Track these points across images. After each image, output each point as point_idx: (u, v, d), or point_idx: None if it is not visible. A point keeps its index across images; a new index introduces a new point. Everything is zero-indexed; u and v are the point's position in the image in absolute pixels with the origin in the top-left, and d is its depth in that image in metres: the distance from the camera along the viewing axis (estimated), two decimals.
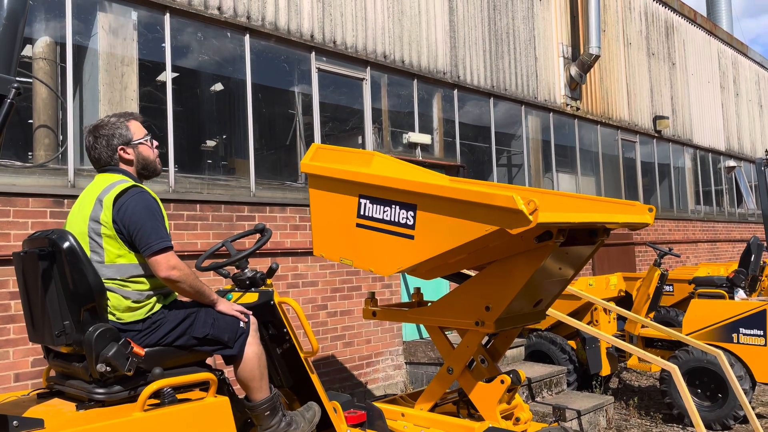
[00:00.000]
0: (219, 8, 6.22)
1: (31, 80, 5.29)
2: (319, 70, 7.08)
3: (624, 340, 7.62)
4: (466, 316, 3.82)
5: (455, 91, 8.81)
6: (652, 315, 7.66)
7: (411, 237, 3.47)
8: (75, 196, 3.65)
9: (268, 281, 3.15)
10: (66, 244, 2.38)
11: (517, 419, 4.00)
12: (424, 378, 7.22)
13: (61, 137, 5.37)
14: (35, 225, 4.87)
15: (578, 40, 11.28)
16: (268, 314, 3.02)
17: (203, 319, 2.71)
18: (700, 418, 6.35)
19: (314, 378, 3.09)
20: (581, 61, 10.92)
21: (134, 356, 2.39)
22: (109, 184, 2.70)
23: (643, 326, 7.32)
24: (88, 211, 2.64)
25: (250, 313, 2.89)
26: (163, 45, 5.87)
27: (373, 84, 7.68)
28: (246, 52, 6.45)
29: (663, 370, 6.88)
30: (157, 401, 2.42)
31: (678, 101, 14.49)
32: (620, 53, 12.62)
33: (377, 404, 4.24)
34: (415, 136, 8.05)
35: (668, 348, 7.23)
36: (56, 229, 2.50)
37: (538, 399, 6.62)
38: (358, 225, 3.73)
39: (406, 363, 7.49)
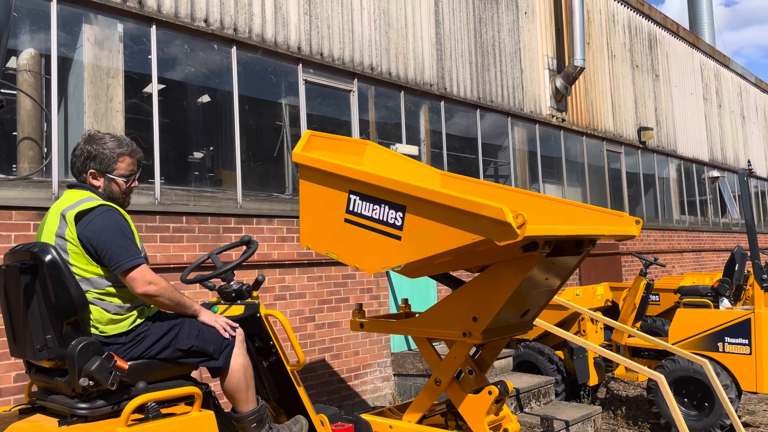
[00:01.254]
0: (206, 20, 6.22)
1: (15, 92, 5.26)
2: (307, 81, 7.09)
3: (611, 350, 7.66)
4: (454, 327, 3.82)
5: (442, 103, 8.86)
6: (638, 324, 7.70)
7: (398, 238, 3.46)
8: None
9: (255, 293, 3.13)
10: (48, 257, 2.36)
11: (506, 431, 3.99)
12: (412, 389, 7.19)
13: (45, 149, 5.33)
14: (18, 238, 4.82)
15: (563, 53, 11.40)
16: (254, 327, 3.00)
17: (188, 330, 2.68)
18: (687, 427, 6.39)
19: (301, 391, 3.07)
20: (566, 73, 11.03)
21: (118, 370, 2.36)
22: (74, 202, 2.66)
23: (629, 336, 7.35)
24: (54, 227, 2.62)
25: (237, 325, 2.87)
26: (150, 57, 5.86)
27: (360, 96, 7.70)
28: (233, 64, 6.45)
29: (650, 380, 6.91)
30: (141, 416, 2.39)
31: (662, 112, 14.66)
32: (605, 65, 12.77)
33: (365, 416, 4.22)
34: (403, 147, 8.08)
35: (655, 357, 7.27)
36: (38, 242, 2.47)
37: (526, 410, 6.62)
38: (347, 220, 3.70)
39: (394, 375, 7.46)
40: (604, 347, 7.78)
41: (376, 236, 3.56)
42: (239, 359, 2.77)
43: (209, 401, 2.90)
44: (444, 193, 3.27)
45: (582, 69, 10.96)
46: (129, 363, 2.49)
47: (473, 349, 4.32)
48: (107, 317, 2.53)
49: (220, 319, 2.80)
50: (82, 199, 2.66)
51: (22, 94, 5.25)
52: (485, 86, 9.61)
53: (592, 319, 7.51)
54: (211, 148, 6.75)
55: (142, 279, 2.51)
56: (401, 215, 3.45)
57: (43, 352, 2.37)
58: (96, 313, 2.52)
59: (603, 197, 12.35)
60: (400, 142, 8.14)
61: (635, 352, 7.48)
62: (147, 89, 5.88)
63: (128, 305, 2.60)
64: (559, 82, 11.07)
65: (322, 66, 7.26)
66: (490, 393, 3.81)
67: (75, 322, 2.37)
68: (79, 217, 2.55)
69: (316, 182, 3.88)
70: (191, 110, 6.61)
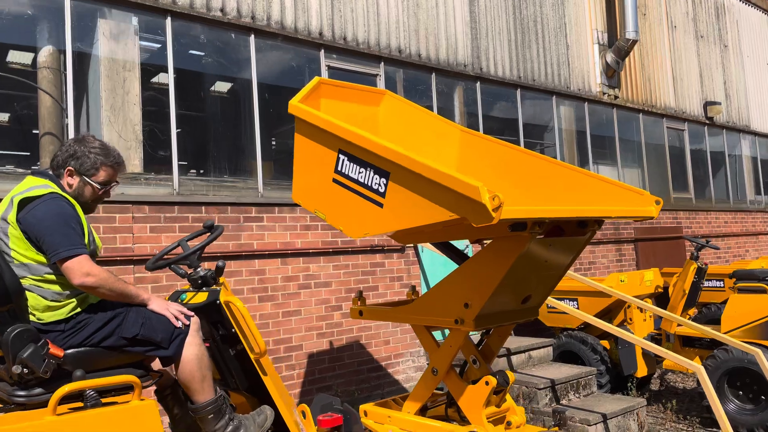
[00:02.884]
0: (222, 9, 6.20)
1: (35, 89, 5.41)
2: (330, 67, 6.97)
3: (661, 339, 7.17)
4: (447, 314, 3.60)
5: (478, 84, 8.53)
6: (692, 312, 7.15)
7: (380, 205, 3.26)
8: None
9: (221, 279, 3.04)
10: None
11: (509, 423, 3.75)
12: None
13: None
14: None
15: (615, 26, 10.76)
16: (215, 314, 2.91)
17: (133, 318, 2.62)
18: (742, 422, 5.88)
19: (266, 380, 2.95)
20: (618, 48, 10.40)
21: (51, 357, 2.31)
22: (28, 187, 2.67)
23: (679, 324, 6.84)
24: (2, 210, 2.62)
25: (191, 314, 2.79)
26: (165, 49, 5.90)
27: (387, 80, 7.51)
28: (251, 52, 6.41)
29: None
30: (81, 404, 2.34)
31: (732, 85, 13.63)
32: (664, 37, 11.97)
33: (367, 406, 4.08)
34: None
35: (708, 347, 6.73)
36: None
37: (563, 402, 6.27)
38: (335, 180, 3.51)
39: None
40: (653, 336, 7.30)
41: (360, 200, 3.37)
42: (192, 349, 2.68)
43: (178, 390, 2.83)
44: (424, 163, 3.03)
45: (635, 42, 10.31)
46: (69, 351, 2.45)
47: (478, 338, 4.09)
48: (44, 304, 2.50)
49: (171, 308, 2.73)
50: (35, 186, 2.65)
51: (42, 91, 5.40)
52: (526, 64, 9.19)
53: (639, 307, 7.04)
54: (231, 138, 6.75)
55: (79, 270, 2.47)
56: (385, 182, 3.24)
57: None
58: (32, 299, 2.49)
59: (663, 178, 11.62)
60: None
61: (687, 342, 6.96)
62: (163, 81, 5.92)
63: (67, 292, 2.56)
64: (610, 57, 10.46)
65: (346, 51, 7.12)
66: (487, 383, 3.57)
67: (11, 309, 2.34)
68: (25, 202, 2.55)
69: (309, 137, 3.68)
70: (209, 100, 6.64)
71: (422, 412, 4.07)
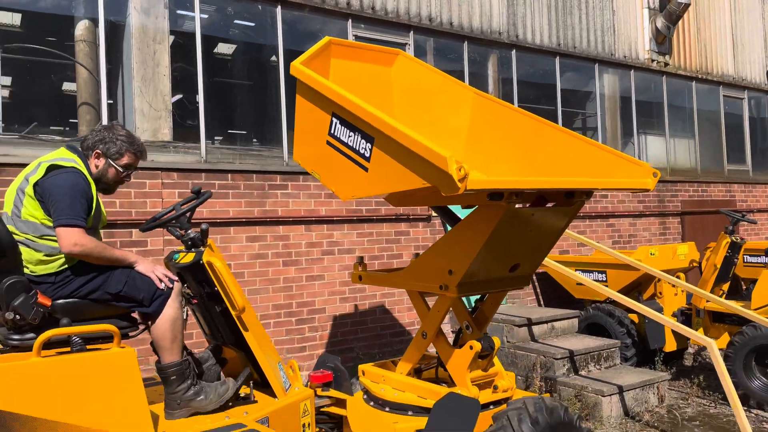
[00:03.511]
0: None
1: (73, 62, 5.76)
2: (357, 37, 7.04)
3: (691, 315, 7.02)
4: (433, 280, 3.70)
5: (513, 52, 8.40)
6: (725, 287, 6.94)
7: (365, 169, 3.37)
8: None
9: (209, 241, 3.25)
10: None
11: (495, 387, 3.84)
12: None
13: (104, 113, 5.79)
14: None
15: None
16: (199, 273, 3.12)
17: (118, 276, 2.87)
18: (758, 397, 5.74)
19: (247, 335, 3.15)
20: (669, 12, 9.95)
21: (39, 306, 2.58)
22: (58, 157, 2.97)
23: (708, 300, 6.67)
24: (29, 170, 2.91)
25: (176, 278, 3.02)
26: (194, 21, 6.12)
27: (417, 49, 7.52)
28: (278, 23, 6.55)
29: (728, 347, 6.28)
30: (68, 349, 2.61)
31: None
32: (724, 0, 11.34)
33: (366, 366, 4.26)
34: None
35: (738, 324, 6.54)
36: None
37: (582, 372, 6.27)
38: (328, 143, 3.63)
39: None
40: (684, 311, 7.15)
41: (349, 163, 3.48)
42: (170, 310, 2.92)
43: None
44: (402, 131, 3.10)
45: (687, 6, 9.83)
46: (58, 301, 2.72)
47: (472, 305, 4.18)
48: (36, 258, 2.78)
49: (157, 270, 2.98)
50: (63, 158, 2.96)
51: (78, 64, 5.74)
52: (566, 32, 8.95)
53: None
54: (257, 108, 6.95)
55: (69, 239, 2.75)
56: (370, 147, 3.34)
57: None
58: (27, 254, 2.77)
59: (717, 149, 11.14)
60: None
61: (717, 318, 6.78)
62: (192, 52, 6.16)
63: (59, 249, 2.82)
64: (660, 22, 10.03)
65: (374, 20, 7.16)
66: (471, 348, 3.67)
67: (4, 262, 2.62)
68: (50, 169, 2.86)
69: (308, 99, 3.78)
70: (236, 70, 6.85)
71: (417, 374, 4.22)
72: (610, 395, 5.78)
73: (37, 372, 2.43)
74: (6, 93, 6.48)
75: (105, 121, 5.64)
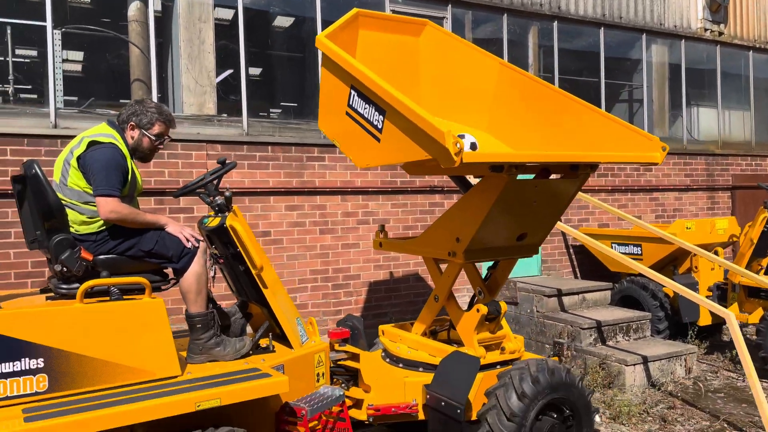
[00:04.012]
0: None
1: (126, 41, 6.20)
2: (394, 11, 7.20)
3: (726, 290, 6.98)
4: (442, 247, 3.93)
5: (555, 23, 8.36)
6: (764, 262, 6.85)
7: (378, 139, 3.63)
8: None
9: (234, 207, 3.58)
10: (31, 172, 3.02)
11: (503, 349, 4.07)
12: None
13: (155, 89, 6.22)
14: None
15: None
16: (224, 236, 3.47)
17: (150, 236, 3.25)
18: None
19: (266, 292, 3.49)
20: None
21: (83, 260, 2.99)
22: (99, 132, 3.32)
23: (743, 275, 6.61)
24: (74, 144, 3.30)
25: (201, 238, 3.39)
26: (236, 1, 6.44)
27: (455, 22, 7.61)
28: None
29: (760, 321, 6.26)
30: (107, 298, 3.01)
31: None
32: None
33: (386, 327, 4.56)
34: None
35: None
36: (29, 159, 3.16)
37: (609, 343, 6.39)
38: (347, 113, 3.89)
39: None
40: (718, 286, 7.11)
41: (364, 134, 3.74)
42: (195, 267, 3.29)
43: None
44: (408, 105, 3.32)
45: None
46: (99, 256, 3.12)
47: (485, 272, 4.39)
48: (80, 219, 3.17)
49: (185, 231, 3.34)
50: (103, 134, 3.33)
51: (131, 43, 6.18)
52: (612, 1, 8.81)
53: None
54: (296, 83, 7.24)
55: (106, 207, 3.13)
56: (382, 119, 3.58)
57: (34, 244, 3.09)
58: (72, 216, 3.17)
59: None
60: None
61: (753, 293, 6.72)
62: (234, 30, 6.49)
63: None
64: None
65: None
66: (478, 311, 3.90)
67: (54, 222, 3.03)
68: (91, 144, 3.24)
69: (331, 72, 4.03)
70: (276, 47, 7.14)
71: (433, 335, 4.49)
72: (633, 365, 5.89)
73: (80, 316, 2.83)
74: (69, 67, 7.01)
75: (155, 97, 6.07)
